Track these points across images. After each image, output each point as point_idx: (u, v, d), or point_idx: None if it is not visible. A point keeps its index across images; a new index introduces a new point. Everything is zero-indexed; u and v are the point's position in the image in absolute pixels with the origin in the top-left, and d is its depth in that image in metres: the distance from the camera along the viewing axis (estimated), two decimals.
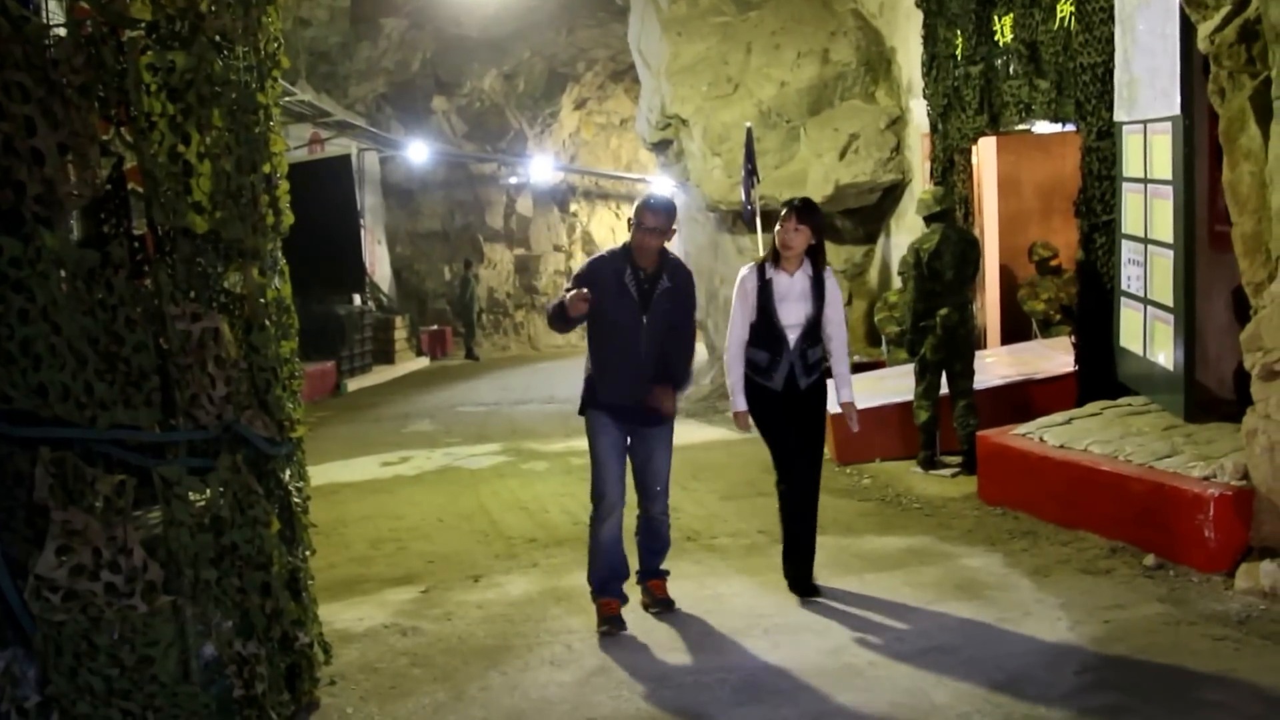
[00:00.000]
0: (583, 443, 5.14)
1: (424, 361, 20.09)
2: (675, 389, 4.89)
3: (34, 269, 3.27)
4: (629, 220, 4.89)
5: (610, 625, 4.81)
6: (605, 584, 4.92)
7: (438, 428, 12.05)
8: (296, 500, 4.30)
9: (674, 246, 5.03)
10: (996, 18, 8.42)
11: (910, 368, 7.91)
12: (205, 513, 3.62)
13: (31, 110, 3.30)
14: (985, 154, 10.07)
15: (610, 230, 24.39)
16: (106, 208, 4.15)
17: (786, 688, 4.15)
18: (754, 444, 5.81)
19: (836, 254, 11.76)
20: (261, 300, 4.05)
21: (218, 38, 3.82)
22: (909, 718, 3.82)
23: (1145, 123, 6.35)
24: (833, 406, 5.34)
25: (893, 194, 11.82)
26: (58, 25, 3.66)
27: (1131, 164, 6.65)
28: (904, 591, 5.18)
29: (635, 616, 4.96)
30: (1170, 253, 6.11)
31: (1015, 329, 10.53)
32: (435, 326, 21.46)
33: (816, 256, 5.14)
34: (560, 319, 4.80)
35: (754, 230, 10.83)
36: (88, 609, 3.29)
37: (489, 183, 22.62)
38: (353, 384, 16.11)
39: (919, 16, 9.79)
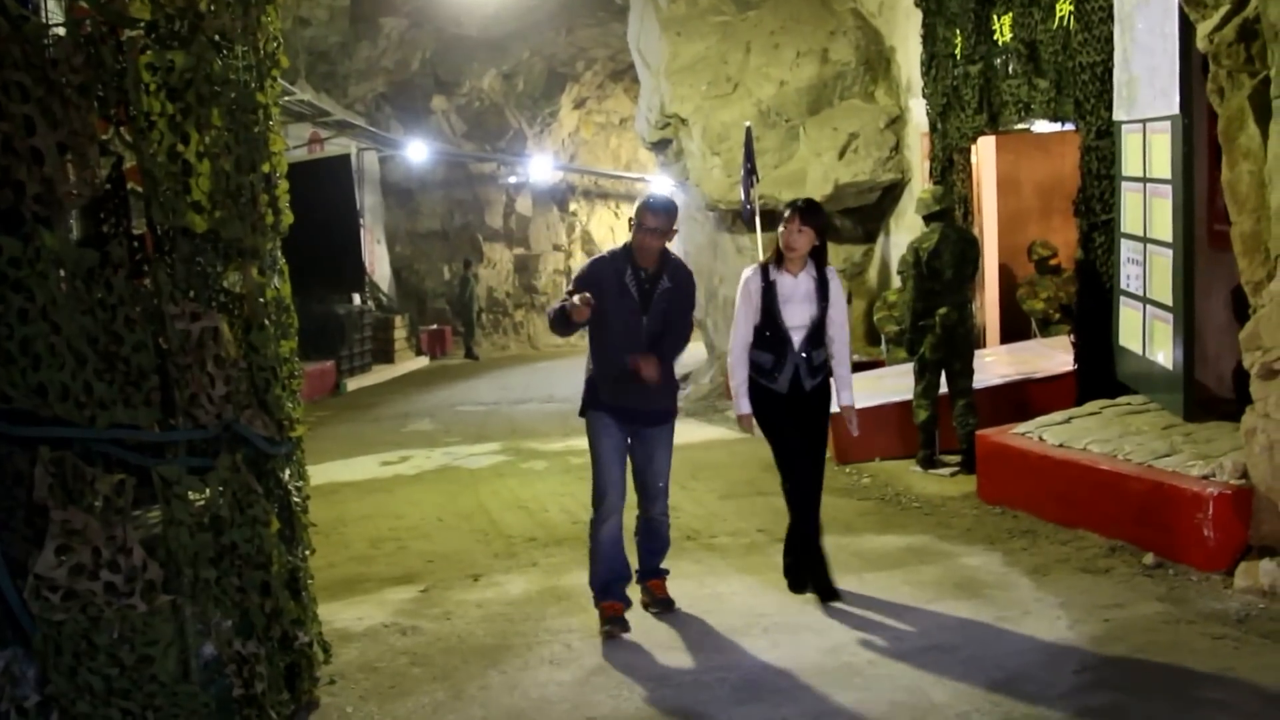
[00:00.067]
0: (582, 442, 5.13)
1: (423, 361, 20.09)
2: (660, 362, 4.80)
3: (33, 268, 3.27)
4: (630, 220, 4.88)
5: (613, 627, 4.79)
6: (607, 587, 4.89)
7: (437, 427, 12.05)
8: (296, 499, 4.31)
9: (674, 246, 5.02)
10: (996, 17, 8.42)
11: (909, 367, 7.91)
12: (205, 512, 3.62)
13: (31, 110, 3.29)
14: (984, 153, 10.08)
15: (610, 230, 24.40)
16: (106, 207, 4.16)
17: (786, 687, 4.15)
18: (753, 443, 5.81)
19: (836, 253, 11.75)
20: (261, 299, 4.05)
21: (217, 37, 3.82)
22: (908, 717, 3.83)
23: (1144, 122, 6.35)
24: (832, 406, 5.33)
25: (892, 193, 11.82)
26: (57, 25, 3.66)
27: (1130, 163, 6.65)
28: (903, 590, 5.18)
29: (635, 616, 4.95)
30: (1169, 252, 6.11)
31: (1014, 328, 10.54)
32: (435, 326, 21.46)
33: (820, 257, 5.09)
34: (562, 323, 4.77)
35: (753, 230, 10.82)
36: (87, 608, 3.29)
37: (488, 182, 22.62)
38: (352, 383, 16.11)
39: (918, 16, 9.80)
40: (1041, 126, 9.17)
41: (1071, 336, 7.77)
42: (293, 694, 3.98)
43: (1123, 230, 6.84)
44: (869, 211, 12.09)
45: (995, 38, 8.45)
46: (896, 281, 10.46)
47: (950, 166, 9.46)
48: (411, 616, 5.22)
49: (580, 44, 20.91)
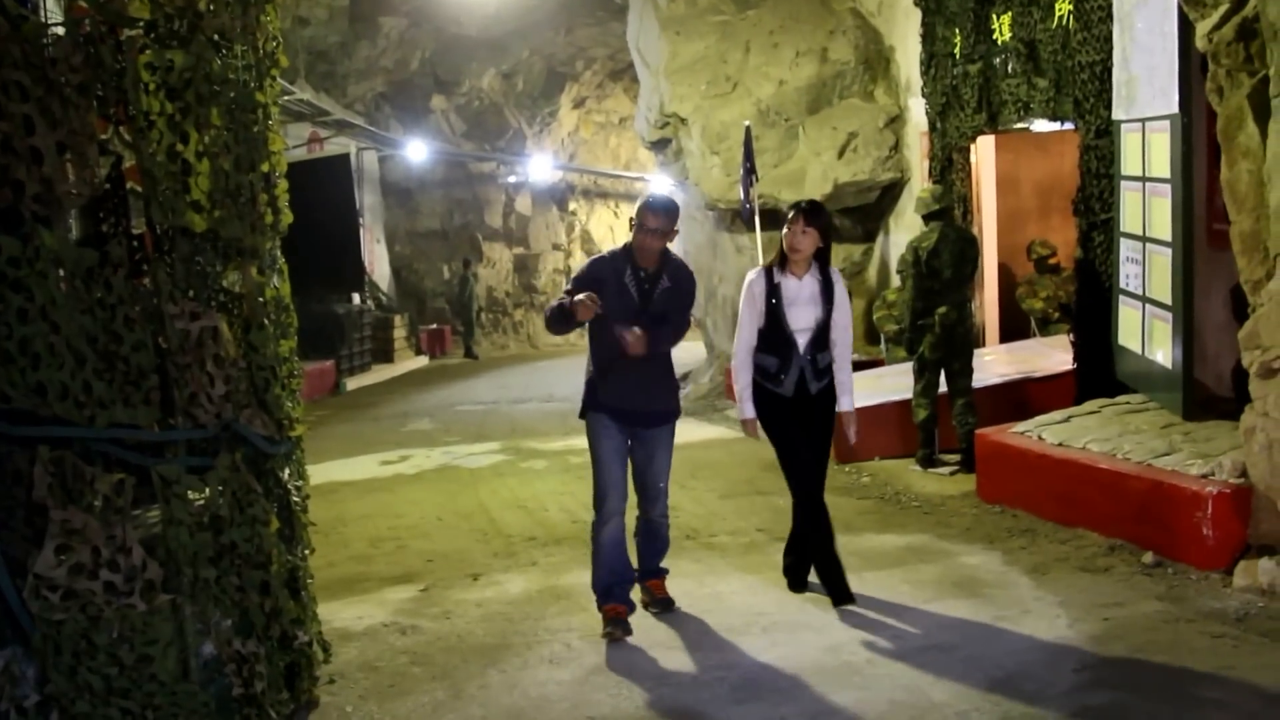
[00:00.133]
0: (582, 441, 5.13)
1: (423, 360, 20.09)
2: (651, 340, 4.75)
3: (33, 268, 3.27)
4: (630, 220, 4.87)
5: (616, 629, 4.77)
6: (609, 590, 4.87)
7: (437, 426, 12.05)
8: (295, 499, 4.31)
9: (674, 246, 5.01)
10: (995, 16, 8.42)
11: (909, 366, 7.92)
12: (204, 511, 3.63)
13: (30, 109, 3.29)
14: (984, 152, 10.08)
15: (609, 229, 24.41)
16: (105, 206, 4.16)
17: (785, 686, 4.15)
18: (753, 443, 5.81)
19: (835, 252, 11.58)
20: (260, 299, 4.05)
21: (216, 36, 3.82)
22: (908, 716, 3.83)
23: (1143, 121, 6.35)
24: None
25: (891, 192, 11.83)
26: (56, 24, 3.66)
27: (1130, 162, 6.65)
28: (902, 589, 5.18)
29: (634, 615, 4.94)
30: (1169, 251, 6.11)
31: (1014, 327, 10.54)
32: (434, 325, 21.46)
33: (824, 259, 5.06)
34: (560, 321, 4.76)
35: (753, 229, 10.83)
36: (87, 608, 3.29)
37: (488, 182, 22.62)
38: (352, 383, 16.11)
39: (917, 15, 9.80)
40: (1041, 126, 9.17)
41: (1071, 336, 7.77)
42: (292, 693, 3.98)
43: (1122, 229, 6.84)
44: (868, 211, 12.09)
45: (994, 37, 8.45)
46: (896, 281, 10.46)
47: (949, 166, 9.47)
48: (411, 616, 5.22)
49: (580, 43, 20.92)
